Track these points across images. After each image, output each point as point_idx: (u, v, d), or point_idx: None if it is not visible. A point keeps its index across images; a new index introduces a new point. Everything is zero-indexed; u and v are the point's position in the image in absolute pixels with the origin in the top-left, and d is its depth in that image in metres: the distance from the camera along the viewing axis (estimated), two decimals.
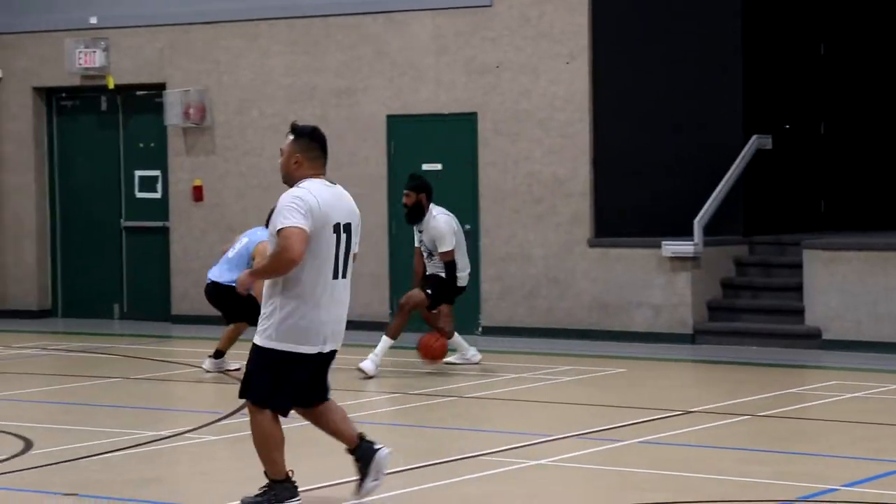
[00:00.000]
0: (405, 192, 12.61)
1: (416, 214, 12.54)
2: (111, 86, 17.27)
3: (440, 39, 15.72)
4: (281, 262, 6.98)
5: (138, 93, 17.45)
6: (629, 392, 11.65)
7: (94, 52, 17.14)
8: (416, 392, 11.61)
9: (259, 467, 7.29)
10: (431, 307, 12.61)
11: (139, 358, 13.88)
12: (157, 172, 17.30)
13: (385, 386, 12.58)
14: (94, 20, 17.28)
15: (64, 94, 17.89)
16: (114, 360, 13.83)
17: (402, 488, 7.91)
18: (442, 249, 12.51)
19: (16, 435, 9.44)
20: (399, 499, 7.70)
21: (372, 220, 16.10)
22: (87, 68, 17.20)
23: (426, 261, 12.73)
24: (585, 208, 15.18)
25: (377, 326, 15.86)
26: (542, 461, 8.64)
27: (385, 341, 12.44)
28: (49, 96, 17.93)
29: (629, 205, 15.38)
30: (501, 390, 11.73)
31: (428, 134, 15.83)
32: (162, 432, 9.62)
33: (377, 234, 16.06)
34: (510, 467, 8.44)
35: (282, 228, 7.02)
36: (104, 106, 17.73)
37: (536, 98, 15.34)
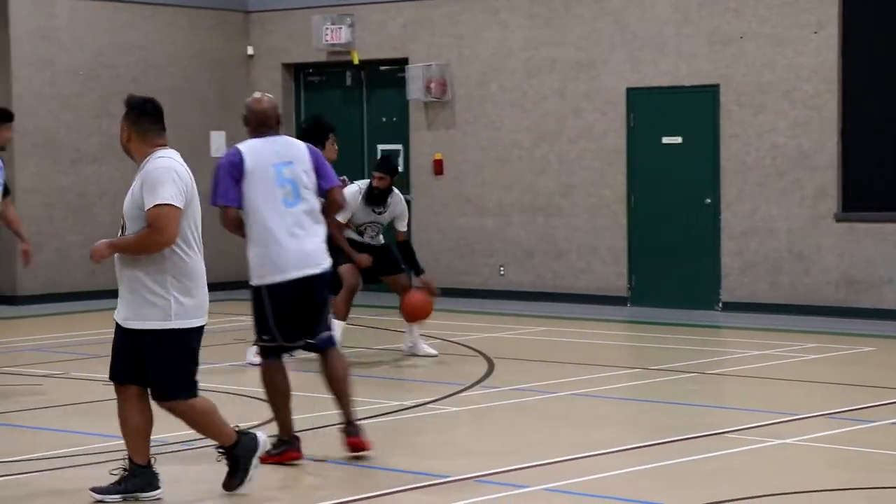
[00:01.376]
0: (380, 174, 11.74)
1: (386, 196, 11.83)
2: (356, 61, 17.62)
3: (681, 10, 15.51)
4: (154, 243, 6.81)
5: (381, 68, 17.75)
6: (879, 372, 11.31)
7: (340, 28, 17.50)
8: (656, 367, 11.53)
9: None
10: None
11: (378, 328, 14.13)
12: (398, 146, 17.57)
13: (625, 360, 12.55)
14: None
15: (311, 70, 18.33)
16: (355, 330, 14.12)
17: (643, 464, 7.89)
18: (405, 228, 11.99)
19: (261, 400, 9.72)
20: (639, 474, 7.68)
21: (610, 195, 16.03)
22: (333, 44, 17.58)
23: (369, 237, 11.86)
24: (832, 182, 14.79)
25: (616, 301, 15.84)
26: (788, 440, 8.48)
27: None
28: (297, 72, 18.40)
29: (879, 178, 14.91)
30: (745, 367, 11.55)
31: (668, 106, 15.65)
32: (406, 402, 9.80)
33: (615, 208, 15.98)
34: (754, 445, 8.31)
35: (157, 205, 6.76)
36: (349, 81, 18.10)
37: (781, 69, 14.99)
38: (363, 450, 7.91)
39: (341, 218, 11.17)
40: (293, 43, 18.06)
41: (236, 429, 7.19)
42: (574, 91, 16.19)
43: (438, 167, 17.11)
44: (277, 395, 7.93)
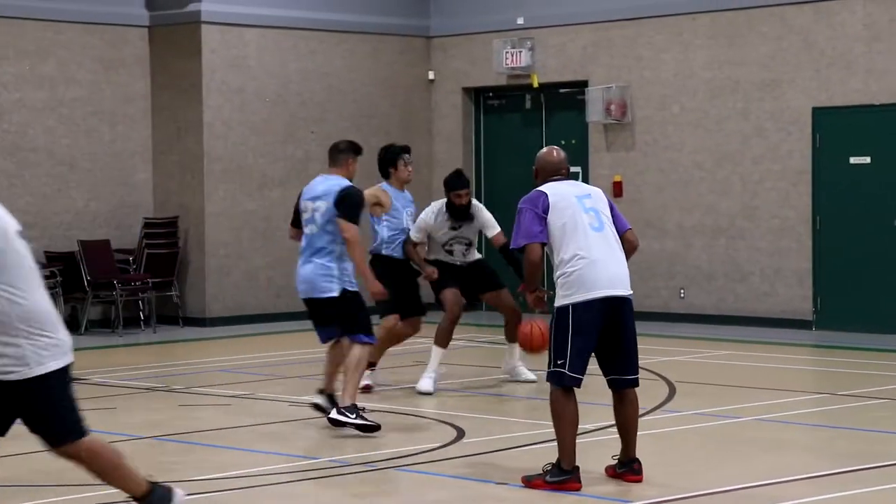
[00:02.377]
0: (464, 191, 11.43)
1: (468, 211, 11.55)
2: (535, 84, 17.67)
3: (872, 27, 15.17)
4: None
5: (561, 90, 17.76)
6: None
7: (521, 51, 17.58)
8: (845, 392, 11.27)
9: None
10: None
11: None
12: (578, 169, 17.54)
13: (812, 385, 12.30)
14: (520, 21, 17.71)
15: (491, 94, 18.45)
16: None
17: (837, 491, 7.72)
18: (497, 230, 11.48)
19: (450, 424, 9.80)
20: (833, 502, 7.51)
21: (795, 216, 15.74)
22: (513, 68, 17.66)
23: (460, 255, 11.55)
24: None
25: (800, 324, 15.53)
26: None
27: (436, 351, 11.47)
28: (477, 96, 18.54)
29: None
30: None
31: (857, 126, 15.31)
32: (585, 426, 9.74)
33: (801, 230, 15.69)
34: None
35: None
36: (528, 104, 18.16)
37: None
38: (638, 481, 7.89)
39: (415, 238, 11.36)
40: (473, 67, 18.20)
41: (150, 479, 6.55)
42: (758, 111, 15.97)
43: (618, 189, 17.02)
44: (565, 423, 7.78)
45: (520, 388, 11.59)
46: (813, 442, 9.62)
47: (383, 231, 11.35)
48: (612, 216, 7.99)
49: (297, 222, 10.00)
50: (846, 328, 15.16)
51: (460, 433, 9.48)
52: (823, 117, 15.53)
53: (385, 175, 11.34)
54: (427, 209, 11.65)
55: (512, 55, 17.62)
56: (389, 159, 11.30)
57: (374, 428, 9.35)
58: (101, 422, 10.04)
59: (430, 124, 18.64)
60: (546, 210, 7.80)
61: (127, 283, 16.35)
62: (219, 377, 12.77)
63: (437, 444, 9.05)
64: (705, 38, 16.34)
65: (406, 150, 11.43)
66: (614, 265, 7.85)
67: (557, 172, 8.10)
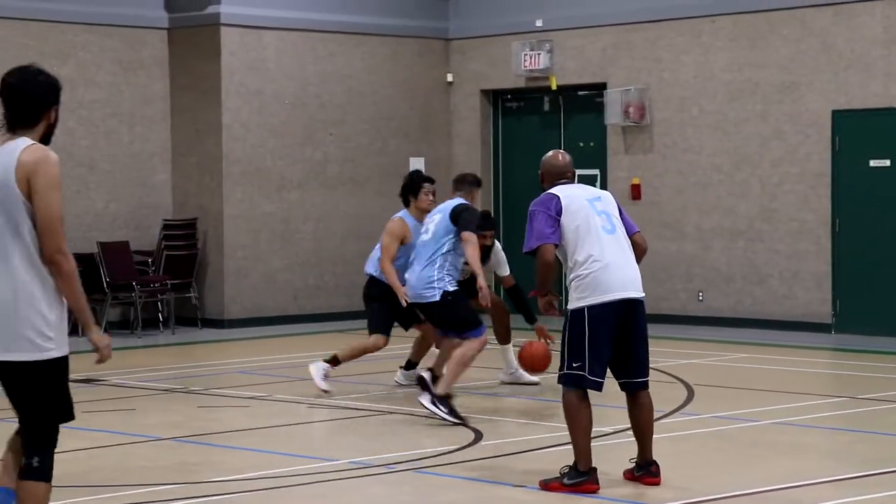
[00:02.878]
0: (489, 233, 11.43)
1: (490, 252, 11.58)
2: (554, 86, 17.66)
3: (891, 29, 15.13)
4: None
5: (580, 93, 17.75)
6: None
7: (539, 53, 17.57)
8: (864, 396, 11.24)
9: None
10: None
11: None
12: (596, 171, 17.54)
13: (831, 389, 12.26)
14: (539, 23, 17.71)
15: (509, 96, 18.45)
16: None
17: (857, 495, 7.70)
18: (507, 272, 11.82)
19: (467, 426, 9.80)
20: None
21: (814, 219, 15.71)
22: (531, 70, 17.66)
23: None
24: None
25: (819, 328, 15.49)
26: None
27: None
28: (496, 98, 18.54)
29: None
30: None
31: (876, 129, 15.26)
32: (604, 428, 9.74)
33: (820, 233, 15.65)
34: None
35: None
36: (546, 106, 18.15)
37: None
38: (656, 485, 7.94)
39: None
40: (492, 69, 18.20)
41: None
42: (777, 113, 15.94)
43: (636, 191, 17.00)
44: (580, 426, 7.80)
45: (534, 390, 11.58)
46: (832, 446, 9.60)
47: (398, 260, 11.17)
48: (622, 219, 8.05)
49: None
50: (865, 331, 15.11)
51: (478, 435, 9.48)
52: (843, 120, 15.49)
53: (405, 202, 11.36)
54: None
55: (531, 57, 17.62)
56: (412, 187, 11.27)
57: (460, 421, 9.76)
58: (120, 423, 10.09)
59: (449, 126, 18.64)
60: (559, 212, 7.81)
61: (146, 284, 16.40)
62: (237, 379, 12.80)
63: (455, 446, 9.05)
64: (725, 41, 16.31)
65: (429, 179, 11.42)
66: (628, 268, 7.91)
67: (563, 176, 8.10)
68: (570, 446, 7.85)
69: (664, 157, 16.86)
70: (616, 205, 8.03)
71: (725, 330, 15.85)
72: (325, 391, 11.16)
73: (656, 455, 8.01)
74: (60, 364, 5.49)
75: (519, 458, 8.82)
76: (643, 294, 8.04)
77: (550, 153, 8.31)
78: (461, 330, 10.10)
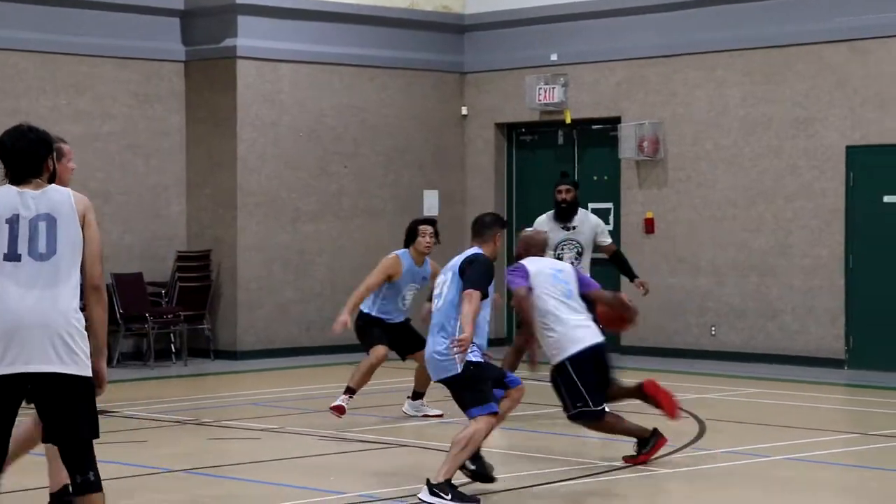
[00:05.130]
0: (565, 187, 12.55)
1: (573, 210, 12.53)
2: (568, 120, 17.70)
3: None
4: None
5: (594, 127, 17.78)
6: None
7: (554, 87, 17.62)
8: (877, 433, 11.19)
9: None
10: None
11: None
12: (609, 205, 17.55)
13: (844, 425, 12.22)
14: (554, 57, 17.76)
15: (523, 129, 18.49)
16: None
17: None
18: (609, 240, 12.71)
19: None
20: None
21: (827, 254, 15.68)
22: (546, 104, 17.70)
23: (568, 259, 12.06)
24: None
25: (832, 363, 15.45)
26: None
27: None
28: (510, 131, 18.58)
29: None
30: None
31: (891, 165, 15.25)
32: (614, 462, 9.72)
33: (832, 267, 15.63)
34: None
35: None
36: (561, 140, 18.18)
37: None
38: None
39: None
40: (506, 103, 18.25)
41: None
42: (792, 149, 15.94)
43: (650, 226, 17.01)
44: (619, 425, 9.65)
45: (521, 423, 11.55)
46: (846, 482, 9.56)
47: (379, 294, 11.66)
48: (582, 282, 9.76)
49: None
50: (878, 367, 15.07)
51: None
52: (857, 156, 15.49)
53: (406, 244, 11.79)
54: (541, 218, 12.68)
55: (545, 91, 17.66)
56: (410, 234, 11.84)
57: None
58: (131, 454, 10.09)
59: (463, 159, 18.68)
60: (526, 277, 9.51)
61: (159, 315, 16.43)
62: (249, 410, 12.80)
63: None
64: (740, 75, 16.33)
65: (428, 221, 11.98)
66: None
67: (542, 251, 10.02)
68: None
69: (678, 192, 16.86)
70: (574, 274, 9.74)
71: (738, 365, 15.81)
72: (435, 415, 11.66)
73: (667, 490, 7.97)
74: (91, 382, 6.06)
75: (529, 493, 8.79)
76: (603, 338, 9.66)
77: (533, 231, 10.52)
78: (476, 404, 8.52)
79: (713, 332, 16.47)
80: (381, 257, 17.37)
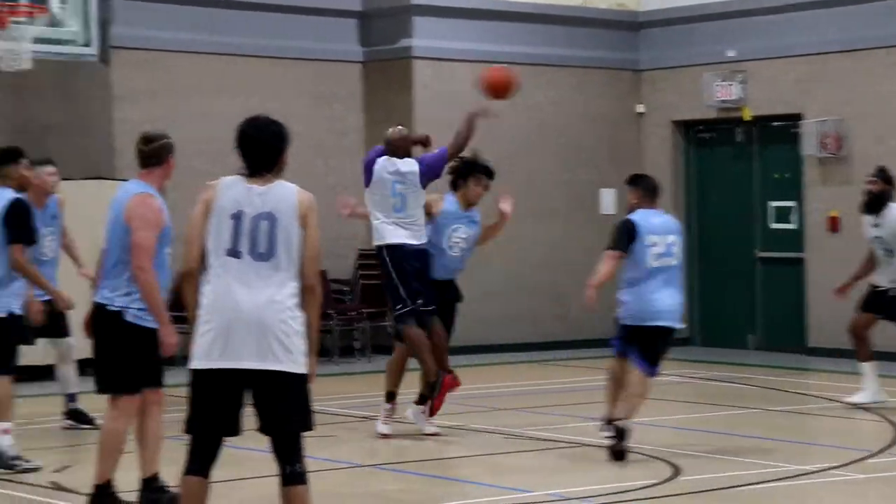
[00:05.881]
0: (871, 178, 12.27)
1: (878, 203, 12.11)
2: (747, 117, 17.44)
3: None
4: None
5: (774, 123, 17.49)
6: None
7: (732, 84, 17.38)
8: None
9: None
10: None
11: (776, 389, 13.85)
12: (793, 203, 17.24)
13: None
14: (731, 53, 17.51)
15: (701, 127, 18.27)
16: (750, 391, 13.91)
17: None
18: None
19: (663, 460, 9.70)
20: None
21: None
22: (724, 101, 17.47)
23: (881, 261, 12.00)
24: None
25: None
26: None
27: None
28: (687, 129, 18.38)
29: None
30: None
31: None
32: (806, 466, 9.55)
33: None
34: None
35: None
36: (739, 137, 17.92)
37: None
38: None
39: None
40: (683, 100, 18.06)
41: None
42: None
43: (834, 224, 16.65)
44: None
45: (714, 426, 11.41)
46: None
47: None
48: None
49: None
50: None
51: (677, 470, 9.37)
52: None
53: (454, 186, 11.15)
54: None
55: (723, 88, 17.43)
56: (462, 172, 11.08)
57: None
58: (321, 450, 10.22)
59: (640, 158, 18.53)
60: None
61: (342, 313, 16.65)
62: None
63: (654, 481, 8.96)
64: None
65: (485, 171, 11.24)
66: None
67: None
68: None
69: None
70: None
71: None
72: (432, 434, 10.83)
73: (868, 497, 7.80)
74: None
75: (718, 495, 8.69)
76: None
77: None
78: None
79: None
80: (559, 254, 17.57)
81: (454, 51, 17.22)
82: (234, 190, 6.12)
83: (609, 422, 9.72)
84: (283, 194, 6.14)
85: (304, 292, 6.13)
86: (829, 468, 9.48)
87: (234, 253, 6.06)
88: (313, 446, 10.20)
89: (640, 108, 18.47)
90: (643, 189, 10.29)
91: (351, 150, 17.36)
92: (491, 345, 17.16)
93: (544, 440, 10.71)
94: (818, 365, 15.96)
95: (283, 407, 6.09)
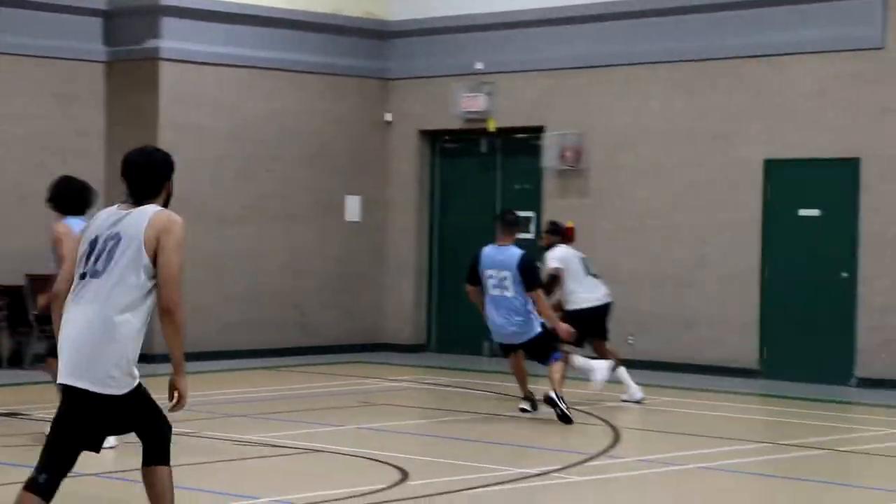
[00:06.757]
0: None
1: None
2: (492, 128, 17.77)
3: (821, 83, 15.37)
4: None
5: (517, 136, 17.87)
6: None
7: (478, 96, 17.68)
8: (787, 442, 11.35)
9: None
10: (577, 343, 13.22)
11: (507, 395, 14.13)
12: (532, 213, 17.64)
13: (756, 435, 12.37)
14: (479, 65, 17.82)
15: (447, 137, 18.53)
16: (483, 397, 14.16)
17: None
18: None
19: (393, 465, 9.79)
20: None
21: (744, 265, 15.87)
22: (470, 112, 17.76)
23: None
24: None
25: (746, 373, 15.64)
26: None
27: None
28: (433, 139, 18.62)
29: None
30: (879, 445, 11.30)
31: (806, 179, 15.48)
32: (530, 470, 9.78)
33: (748, 279, 15.81)
34: None
35: None
36: (484, 148, 18.25)
37: None
38: None
39: None
40: (430, 110, 18.29)
41: None
42: (710, 161, 16.12)
43: (571, 235, 17.08)
44: None
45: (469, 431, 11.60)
46: (756, 492, 9.68)
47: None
48: None
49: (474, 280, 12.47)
50: (792, 378, 15.27)
51: (405, 475, 9.47)
52: (774, 169, 15.69)
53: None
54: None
55: (469, 99, 17.72)
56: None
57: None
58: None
59: (386, 166, 18.68)
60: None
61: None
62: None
63: (381, 486, 9.05)
64: (661, 88, 16.49)
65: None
66: None
67: None
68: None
69: (599, 202, 16.97)
70: None
71: (654, 374, 15.93)
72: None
73: (584, 498, 8.01)
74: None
75: (443, 499, 8.82)
76: None
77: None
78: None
79: (630, 341, 16.58)
80: (303, 261, 17.57)
81: (201, 53, 17.04)
82: (101, 217, 6.25)
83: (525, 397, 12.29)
84: (138, 217, 6.16)
85: (161, 316, 6.20)
86: (550, 471, 9.73)
87: (82, 275, 6.16)
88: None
89: (388, 117, 18.62)
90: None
91: (90, 151, 16.98)
92: (231, 350, 17.02)
93: (276, 446, 10.68)
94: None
95: (70, 426, 6.12)
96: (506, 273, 12.15)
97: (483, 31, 17.88)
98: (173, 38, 16.83)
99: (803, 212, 15.48)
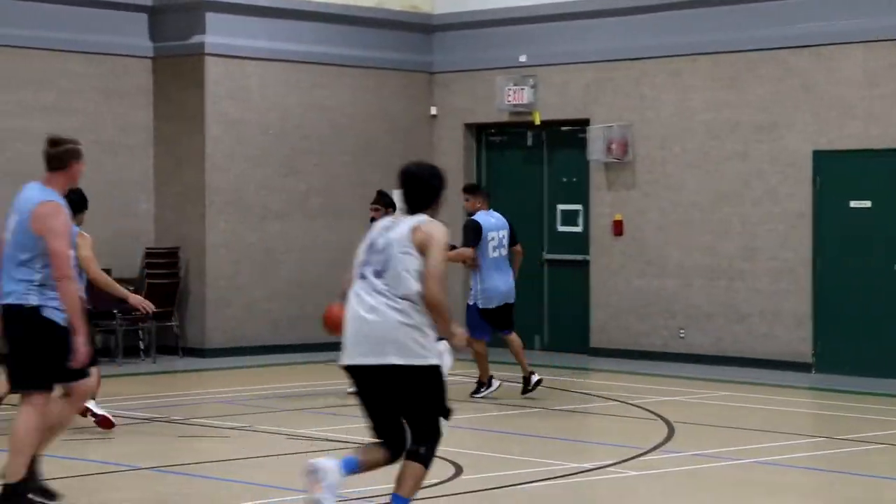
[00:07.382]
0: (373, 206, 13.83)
1: None
2: (537, 122, 17.72)
3: (870, 71, 15.24)
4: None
5: (563, 128, 17.81)
6: None
7: (523, 89, 17.64)
8: (842, 437, 11.27)
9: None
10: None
11: (559, 389, 14.11)
12: (578, 206, 17.58)
13: (809, 429, 12.29)
14: (523, 58, 17.77)
15: (493, 130, 18.50)
16: (535, 391, 14.11)
17: None
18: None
19: (446, 459, 9.78)
20: None
21: (794, 258, 15.76)
22: (515, 105, 17.72)
23: None
24: None
25: (799, 367, 15.53)
26: None
27: None
28: (479, 132, 18.58)
29: None
30: None
31: (857, 170, 15.35)
32: (585, 464, 9.76)
33: (800, 272, 15.70)
34: None
35: None
36: (530, 141, 18.20)
37: None
38: None
39: None
40: (476, 103, 18.25)
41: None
42: (757, 153, 16.01)
43: (618, 228, 17.05)
44: None
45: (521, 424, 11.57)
46: (811, 486, 9.62)
47: None
48: None
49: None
50: (845, 371, 15.15)
51: (459, 470, 9.47)
52: (823, 161, 15.56)
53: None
54: None
55: (514, 92, 17.68)
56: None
57: None
58: (98, 451, 10.04)
59: (432, 159, 18.61)
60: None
61: (127, 312, 16.31)
62: (218, 409, 12.75)
63: (436, 481, 9.04)
64: (705, 80, 16.39)
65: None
66: None
67: None
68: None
69: (646, 195, 16.90)
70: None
71: (706, 367, 15.86)
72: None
73: (639, 493, 7.99)
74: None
75: (496, 494, 8.80)
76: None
77: None
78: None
79: (682, 335, 16.51)
80: (350, 256, 17.54)
81: (246, 48, 17.07)
82: (378, 224, 7.33)
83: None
84: (407, 221, 7.17)
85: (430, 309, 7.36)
86: (606, 466, 9.70)
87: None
88: (92, 448, 10.09)
89: (433, 111, 18.60)
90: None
91: (137, 147, 17.05)
92: (281, 345, 17.06)
93: (327, 440, 10.68)
94: (599, 365, 16.33)
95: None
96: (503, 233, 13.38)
97: (527, 24, 17.83)
98: (218, 34, 16.87)
99: (854, 203, 15.35)
